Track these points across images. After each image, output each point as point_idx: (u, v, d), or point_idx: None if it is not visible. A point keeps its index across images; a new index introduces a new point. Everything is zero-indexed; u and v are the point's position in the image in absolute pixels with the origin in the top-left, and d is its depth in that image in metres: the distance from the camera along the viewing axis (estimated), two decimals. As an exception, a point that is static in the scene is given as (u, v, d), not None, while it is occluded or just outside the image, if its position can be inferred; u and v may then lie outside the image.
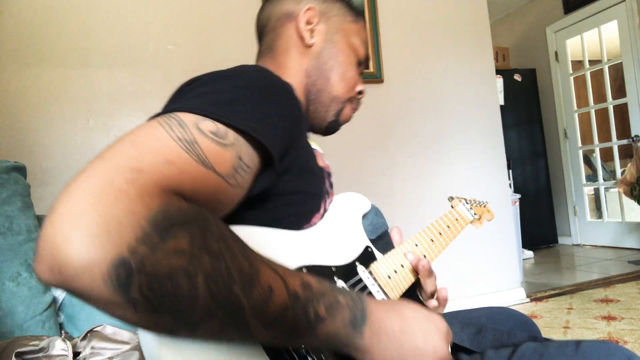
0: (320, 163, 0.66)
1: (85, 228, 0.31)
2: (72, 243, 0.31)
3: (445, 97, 2.33)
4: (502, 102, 2.83)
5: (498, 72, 2.76)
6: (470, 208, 0.88)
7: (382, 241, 0.75)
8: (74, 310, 1.22)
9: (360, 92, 0.78)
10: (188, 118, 0.42)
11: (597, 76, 3.91)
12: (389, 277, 0.65)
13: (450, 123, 2.34)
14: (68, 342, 0.91)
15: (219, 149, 0.42)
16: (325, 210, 0.65)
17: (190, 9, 1.90)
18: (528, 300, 2.38)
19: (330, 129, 0.78)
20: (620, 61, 3.56)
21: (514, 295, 2.37)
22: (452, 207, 0.87)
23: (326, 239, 0.61)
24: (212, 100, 0.45)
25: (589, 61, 3.81)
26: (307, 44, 0.71)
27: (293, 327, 0.39)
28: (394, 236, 0.74)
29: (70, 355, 0.88)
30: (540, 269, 3.22)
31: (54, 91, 1.69)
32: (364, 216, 0.74)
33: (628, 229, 3.60)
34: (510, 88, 3.78)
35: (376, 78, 2.18)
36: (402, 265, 0.68)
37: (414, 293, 0.72)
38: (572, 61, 3.97)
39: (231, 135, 0.44)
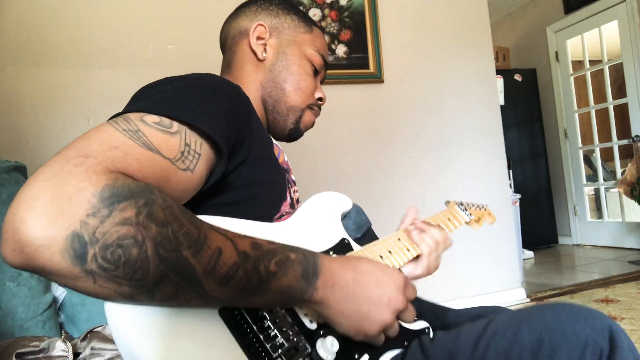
0: (278, 157, 0.69)
1: (40, 208, 0.35)
2: (29, 223, 0.34)
3: (445, 97, 2.33)
4: (502, 102, 2.83)
5: (498, 72, 2.75)
6: (466, 209, 0.90)
7: (367, 238, 0.76)
8: (74, 311, 1.22)
9: (320, 99, 0.81)
10: (133, 115, 0.47)
11: (598, 76, 3.90)
12: None
13: (450, 123, 2.33)
14: (68, 343, 0.91)
15: (163, 136, 0.46)
16: (291, 199, 0.68)
17: (190, 9, 1.90)
18: (528, 300, 2.38)
19: (292, 136, 0.81)
20: (620, 61, 3.56)
21: (514, 295, 2.37)
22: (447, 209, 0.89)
23: (300, 231, 0.64)
24: (156, 100, 0.50)
25: (590, 61, 3.81)
26: (259, 58, 0.76)
27: (246, 283, 0.42)
28: (409, 213, 0.80)
29: (71, 356, 0.88)
30: (540, 269, 3.22)
31: (54, 91, 1.68)
32: (347, 215, 0.76)
33: (628, 229, 3.60)
34: (510, 88, 3.78)
35: (376, 78, 2.18)
36: (382, 257, 0.68)
37: None
38: (572, 61, 3.97)
39: (176, 125, 0.48)
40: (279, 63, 0.76)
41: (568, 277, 2.89)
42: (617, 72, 3.91)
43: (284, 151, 0.76)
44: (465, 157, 2.35)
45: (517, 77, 3.99)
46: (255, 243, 0.44)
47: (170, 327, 0.42)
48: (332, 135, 2.11)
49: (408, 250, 0.72)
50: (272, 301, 0.46)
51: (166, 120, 0.47)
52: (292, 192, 0.70)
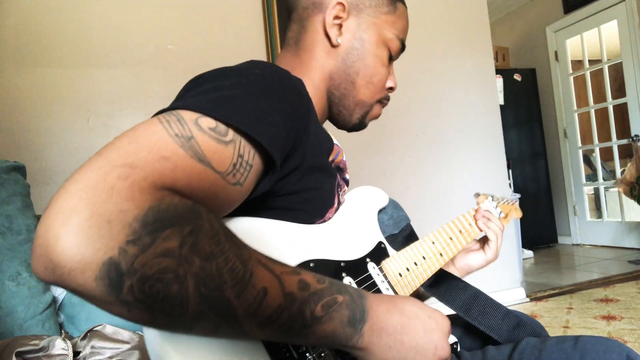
0: (336, 157, 0.65)
1: (76, 226, 0.31)
2: (64, 242, 0.31)
3: (445, 97, 2.33)
4: (502, 102, 2.83)
5: (498, 71, 2.76)
6: (497, 206, 0.86)
7: (404, 235, 0.74)
8: (73, 310, 1.22)
9: (390, 88, 0.73)
10: (187, 115, 0.41)
11: (597, 76, 3.91)
12: (400, 275, 0.64)
13: (450, 123, 2.34)
14: (68, 342, 0.91)
15: (217, 146, 0.41)
16: (339, 203, 0.64)
17: (190, 9, 1.90)
18: (528, 300, 2.39)
19: (354, 129, 0.75)
20: (620, 61, 3.56)
21: (513, 295, 2.37)
22: (477, 203, 0.84)
23: (338, 234, 0.61)
24: (213, 98, 0.45)
25: (589, 61, 3.81)
26: (333, 43, 0.66)
27: (288, 327, 0.39)
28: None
29: (71, 354, 0.88)
30: (540, 268, 3.22)
31: (54, 91, 1.69)
32: (383, 210, 0.73)
33: (628, 229, 3.60)
34: (510, 88, 3.78)
35: (376, 78, 2.18)
36: (416, 263, 0.66)
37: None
38: (572, 61, 3.97)
39: (231, 133, 0.43)
40: (353, 52, 0.66)
41: (567, 276, 2.89)
42: (617, 72, 3.91)
43: (343, 150, 0.70)
44: (465, 156, 2.35)
45: (517, 77, 3.99)
46: (303, 282, 0.41)
47: (207, 344, 0.41)
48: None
49: (441, 255, 0.71)
50: (313, 343, 0.44)
51: (222, 127, 0.42)
52: (340, 196, 0.64)
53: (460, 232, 0.76)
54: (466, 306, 0.70)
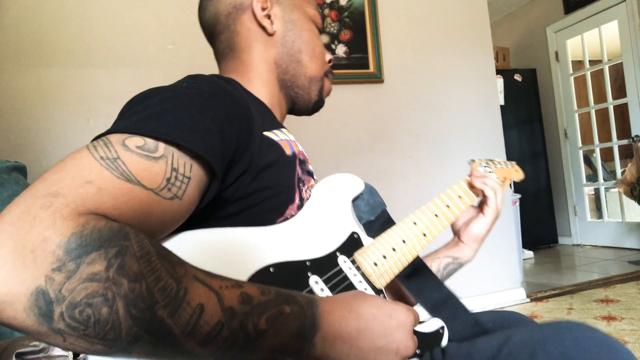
0: (289, 151, 0.63)
1: (1, 259, 0.31)
2: None
3: (445, 97, 2.33)
4: (502, 102, 2.83)
5: (498, 72, 2.75)
6: (491, 172, 0.80)
7: (381, 222, 0.71)
8: (74, 311, 1.22)
9: (329, 61, 0.77)
10: (115, 138, 0.42)
11: (598, 76, 3.90)
12: (375, 265, 0.61)
13: (450, 123, 2.34)
14: (68, 343, 0.91)
15: (146, 163, 0.41)
16: (301, 199, 0.62)
17: (190, 8, 1.90)
18: (528, 300, 2.38)
19: (316, 107, 0.77)
20: (620, 61, 3.56)
21: (514, 295, 2.37)
22: (471, 170, 0.80)
23: (303, 231, 0.58)
24: (141, 117, 0.45)
25: (590, 61, 3.81)
26: (269, 32, 0.69)
27: (231, 344, 0.38)
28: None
29: (71, 355, 0.88)
30: (540, 269, 3.22)
31: (54, 91, 1.69)
32: (358, 197, 0.70)
33: (628, 229, 3.60)
34: (510, 88, 3.78)
35: (376, 78, 2.18)
36: (394, 249, 0.63)
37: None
38: (572, 61, 3.97)
39: (162, 147, 0.43)
40: (289, 33, 0.70)
41: (568, 277, 2.89)
42: (617, 72, 3.91)
43: (296, 142, 0.68)
44: (465, 157, 2.35)
45: (517, 77, 3.99)
46: (244, 295, 0.39)
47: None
48: (331, 136, 2.11)
49: (424, 235, 0.67)
50: (262, 358, 0.42)
51: (151, 143, 0.42)
52: (303, 192, 0.62)
53: (448, 207, 0.72)
54: (436, 307, 0.66)
